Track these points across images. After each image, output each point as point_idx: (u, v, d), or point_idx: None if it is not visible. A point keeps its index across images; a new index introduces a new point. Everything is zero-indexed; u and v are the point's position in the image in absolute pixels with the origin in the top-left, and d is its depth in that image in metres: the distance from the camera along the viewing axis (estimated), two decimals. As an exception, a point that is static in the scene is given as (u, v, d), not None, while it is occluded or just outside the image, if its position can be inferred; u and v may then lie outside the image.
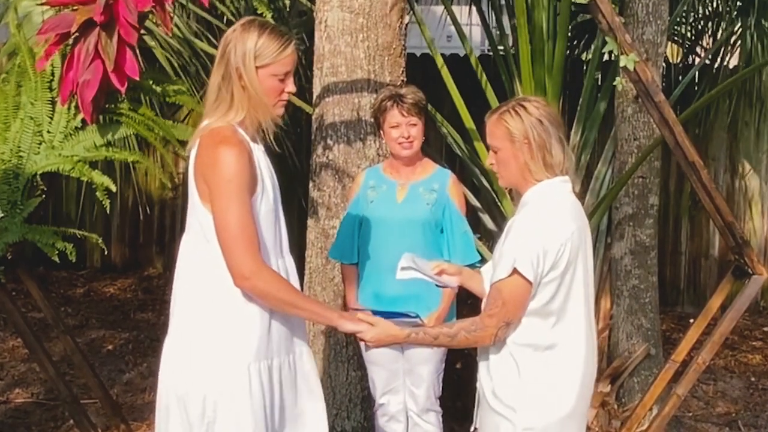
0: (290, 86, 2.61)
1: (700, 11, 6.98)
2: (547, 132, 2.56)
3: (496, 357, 2.60)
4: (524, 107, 2.58)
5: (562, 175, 2.60)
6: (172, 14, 3.61)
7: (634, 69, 3.16)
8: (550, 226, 2.52)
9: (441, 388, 3.72)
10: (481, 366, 2.66)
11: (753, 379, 5.77)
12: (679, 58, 7.18)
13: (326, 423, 2.76)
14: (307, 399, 2.72)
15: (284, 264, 2.64)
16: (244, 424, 2.50)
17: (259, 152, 2.59)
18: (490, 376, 2.61)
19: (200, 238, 2.53)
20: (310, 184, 4.23)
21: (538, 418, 2.56)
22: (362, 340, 2.67)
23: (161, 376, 2.62)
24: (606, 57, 5.65)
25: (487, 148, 2.70)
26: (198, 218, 2.53)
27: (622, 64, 3.15)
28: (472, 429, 2.78)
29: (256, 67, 2.52)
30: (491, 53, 5.36)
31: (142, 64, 3.66)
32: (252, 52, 2.51)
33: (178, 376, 2.55)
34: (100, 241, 3.51)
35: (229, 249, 2.45)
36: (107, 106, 3.46)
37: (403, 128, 3.55)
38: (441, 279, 2.86)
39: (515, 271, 2.48)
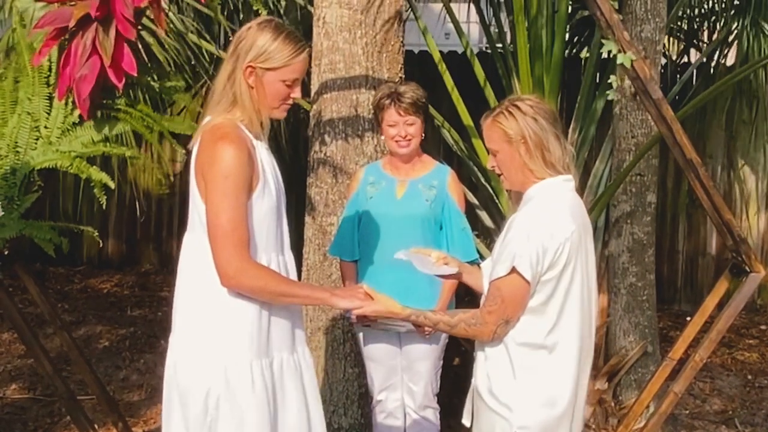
0: (296, 92, 2.59)
1: (697, 10, 6.98)
2: (543, 129, 2.55)
3: (493, 355, 2.59)
4: (518, 107, 2.57)
5: (565, 172, 2.59)
6: (167, 11, 3.60)
7: (633, 66, 3.15)
8: (550, 225, 2.51)
9: (439, 385, 3.72)
10: (478, 363, 2.66)
11: (749, 376, 5.77)
12: (676, 55, 7.18)
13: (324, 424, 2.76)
14: (312, 399, 2.71)
15: (284, 260, 2.63)
16: (248, 421, 2.49)
17: (262, 149, 2.58)
18: (487, 374, 2.60)
19: (201, 235, 2.52)
20: (308, 181, 4.22)
21: (533, 416, 2.55)
22: (356, 318, 2.62)
23: (166, 372, 2.62)
24: (604, 54, 5.66)
25: (486, 146, 2.69)
26: (199, 215, 2.52)
27: (619, 61, 3.15)
28: (468, 424, 2.77)
29: (265, 69, 2.51)
30: (489, 50, 5.35)
31: (143, 60, 3.65)
32: (263, 54, 2.49)
33: (180, 373, 2.54)
34: (96, 234, 3.51)
35: (218, 247, 2.44)
36: (105, 101, 3.45)
37: (400, 127, 3.54)
38: (440, 269, 2.84)
39: (514, 269, 2.48)
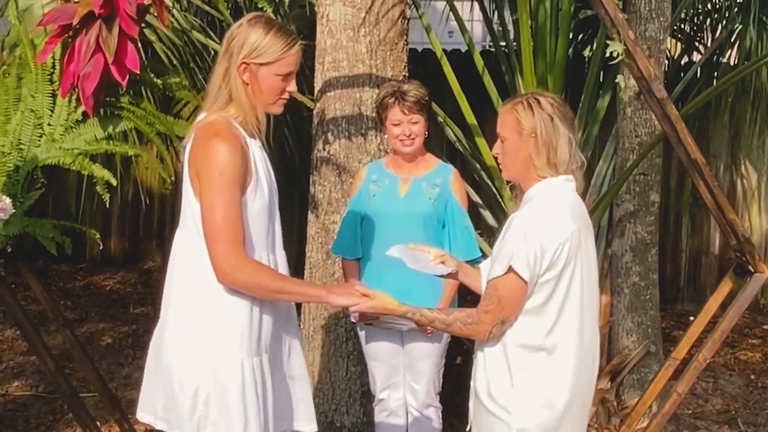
0: (292, 86, 2.60)
1: (700, 8, 6.97)
2: (556, 130, 2.54)
3: (491, 357, 2.58)
4: (538, 102, 2.57)
5: (567, 175, 2.58)
6: (170, 8, 3.59)
7: (637, 65, 3.14)
8: (549, 225, 2.50)
9: (441, 384, 3.72)
10: (477, 365, 2.65)
11: (752, 376, 5.77)
12: (677, 54, 7.17)
13: (313, 412, 2.76)
14: (299, 392, 2.72)
15: (275, 259, 2.63)
16: (236, 419, 2.49)
17: (255, 147, 2.58)
18: (485, 377, 2.59)
19: (193, 233, 2.52)
20: (311, 179, 4.22)
21: (533, 419, 2.54)
22: (357, 316, 2.62)
23: (148, 358, 2.64)
24: (608, 54, 5.64)
25: (489, 143, 2.69)
26: (192, 213, 2.52)
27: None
28: (468, 429, 2.77)
29: (259, 64, 2.51)
30: (493, 49, 5.34)
31: (144, 57, 3.65)
32: (256, 49, 2.50)
33: (170, 370, 2.54)
34: (97, 236, 3.51)
35: (213, 244, 2.44)
36: (108, 99, 3.45)
37: (405, 126, 3.53)
38: (435, 268, 2.84)
39: (511, 269, 2.47)
